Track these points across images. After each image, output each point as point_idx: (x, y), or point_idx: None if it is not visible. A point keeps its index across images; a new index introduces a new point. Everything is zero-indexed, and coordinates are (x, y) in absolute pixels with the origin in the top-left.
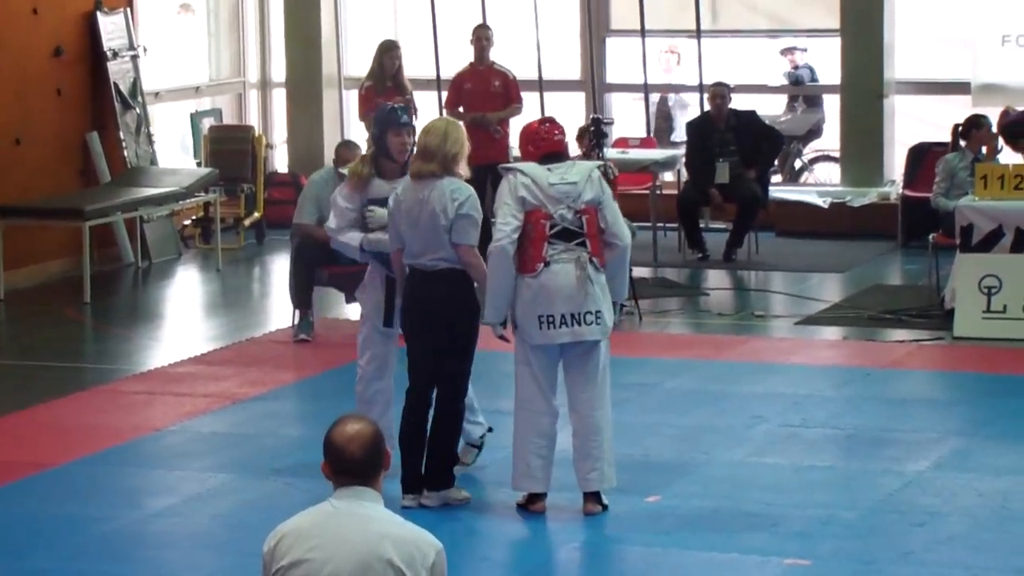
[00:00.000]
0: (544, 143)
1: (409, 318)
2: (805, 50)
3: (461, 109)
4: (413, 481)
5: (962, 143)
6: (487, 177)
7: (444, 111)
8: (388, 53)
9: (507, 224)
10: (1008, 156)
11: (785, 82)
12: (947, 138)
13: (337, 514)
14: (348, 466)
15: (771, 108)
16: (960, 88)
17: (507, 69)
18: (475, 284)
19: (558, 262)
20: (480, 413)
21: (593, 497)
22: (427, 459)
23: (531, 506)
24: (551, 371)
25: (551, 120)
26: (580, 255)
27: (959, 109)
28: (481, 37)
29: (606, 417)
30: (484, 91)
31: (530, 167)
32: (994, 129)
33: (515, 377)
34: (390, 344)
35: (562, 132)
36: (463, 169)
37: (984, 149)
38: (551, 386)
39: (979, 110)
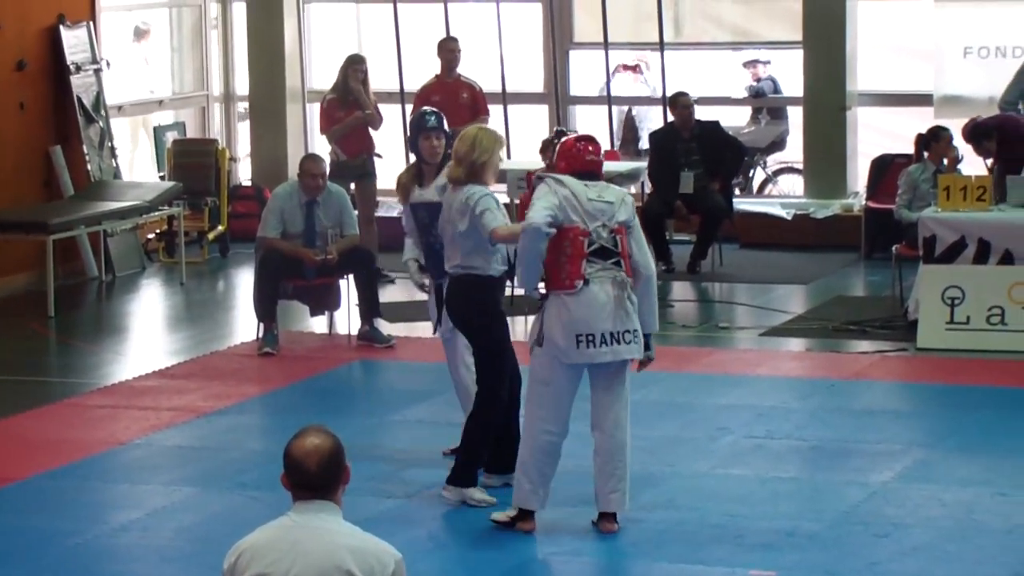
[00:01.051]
0: (575, 160)
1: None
2: (768, 63)
3: None
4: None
5: (925, 155)
6: None
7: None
8: (354, 67)
9: (546, 210)
10: (970, 166)
11: (747, 95)
12: (910, 149)
13: (295, 528)
14: (306, 480)
15: (735, 121)
16: (922, 100)
17: (474, 81)
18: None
19: (596, 280)
20: None
21: (612, 517)
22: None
23: (521, 524)
24: (574, 391)
25: (589, 138)
26: (616, 274)
27: (921, 121)
28: (449, 49)
29: (628, 437)
30: (452, 103)
31: (568, 179)
32: (960, 139)
33: (530, 394)
34: (449, 346)
35: (597, 151)
36: (490, 178)
37: (945, 161)
38: (571, 406)
39: (941, 122)
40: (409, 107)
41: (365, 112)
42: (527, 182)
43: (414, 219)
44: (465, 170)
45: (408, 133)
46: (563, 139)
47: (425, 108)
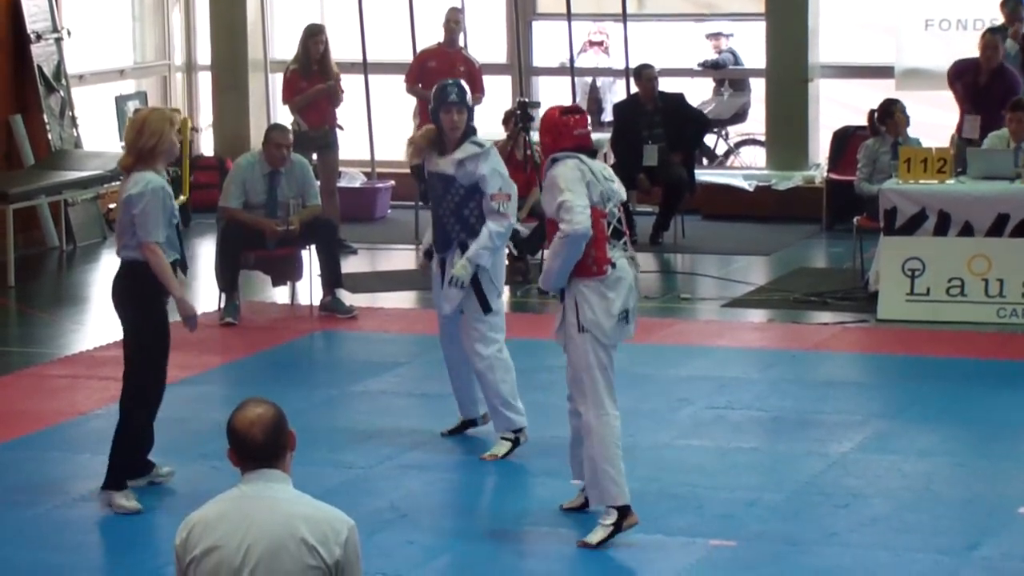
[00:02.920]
0: (564, 136)
1: None
2: (731, 35)
3: (420, 86)
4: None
5: (882, 128)
6: None
7: (404, 86)
8: (313, 38)
9: (586, 208)
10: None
11: (711, 68)
12: (866, 123)
13: (246, 498)
14: (253, 450)
15: (698, 93)
16: (884, 72)
17: (475, 58)
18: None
19: (619, 261)
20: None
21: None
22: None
23: (628, 521)
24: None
25: (574, 109)
26: (632, 254)
27: (883, 93)
28: (452, 19)
29: None
30: (448, 73)
31: (586, 159)
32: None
33: (590, 384)
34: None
35: (585, 122)
36: (160, 163)
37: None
38: None
39: (902, 94)
40: (373, 78)
41: (328, 83)
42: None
43: (428, 187)
44: (133, 157)
45: (431, 103)
46: (546, 111)
47: (448, 81)
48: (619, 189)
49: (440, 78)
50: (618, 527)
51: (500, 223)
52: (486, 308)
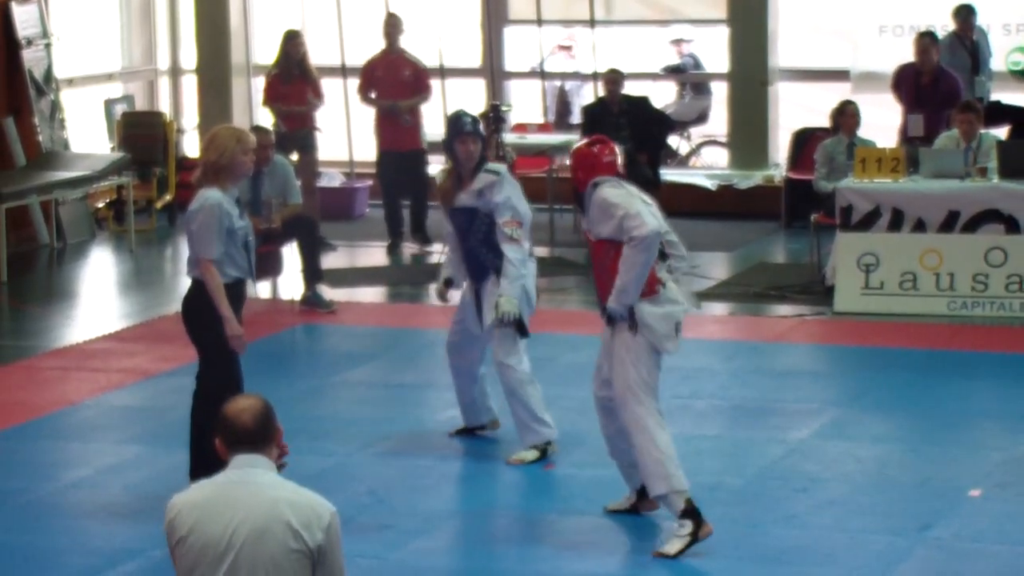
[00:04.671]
0: (596, 167)
1: None
2: (691, 41)
3: (373, 95)
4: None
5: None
6: (397, 163)
7: (357, 97)
8: (291, 42)
9: (649, 212)
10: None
11: (673, 72)
12: (827, 123)
13: (231, 483)
14: (240, 434)
15: (662, 96)
16: (840, 76)
17: (418, 59)
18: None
19: (667, 281)
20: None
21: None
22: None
23: (703, 532)
24: None
25: (600, 140)
26: (677, 276)
27: (839, 95)
28: (391, 25)
29: None
30: (394, 79)
31: (624, 182)
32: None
33: (637, 387)
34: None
35: (612, 150)
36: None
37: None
38: None
39: (858, 97)
40: (351, 81)
41: (309, 105)
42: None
43: (452, 223)
44: (202, 172)
45: (445, 133)
46: (575, 148)
47: (461, 111)
48: (657, 212)
49: (387, 84)
50: (695, 537)
51: (516, 249)
52: (524, 333)
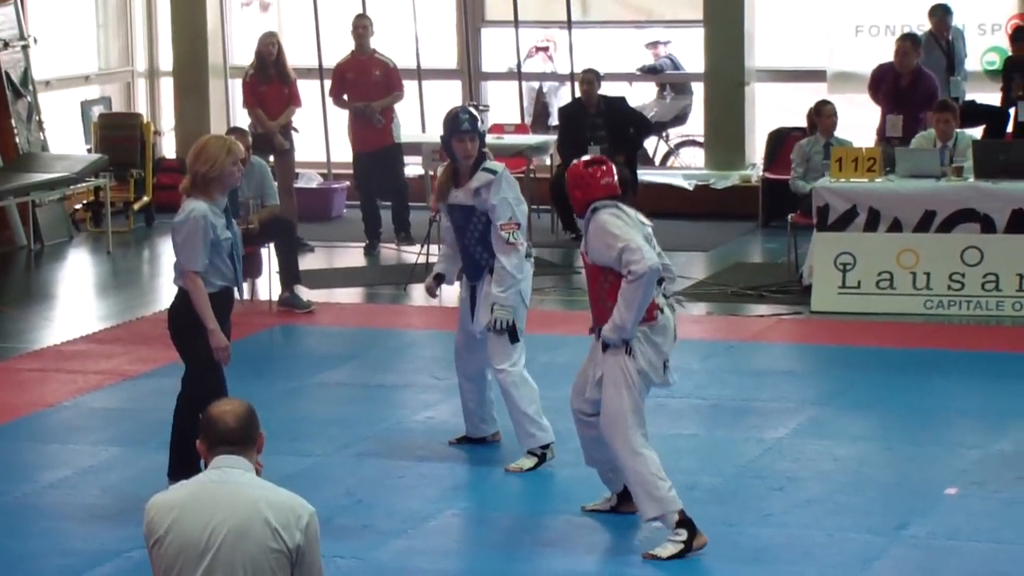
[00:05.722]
0: (592, 188)
1: None
2: (668, 42)
3: (345, 97)
4: None
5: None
6: (372, 163)
7: (329, 100)
8: (265, 42)
9: (647, 247)
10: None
11: (649, 73)
12: (804, 123)
13: (211, 483)
14: (222, 434)
15: (641, 97)
16: (816, 76)
17: (388, 58)
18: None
19: (665, 307)
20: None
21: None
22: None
23: (697, 541)
24: None
25: (598, 160)
26: (671, 300)
27: (816, 96)
28: (359, 26)
29: None
30: (366, 80)
31: (623, 205)
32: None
33: (627, 412)
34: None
35: (610, 172)
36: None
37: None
38: None
39: (834, 97)
40: (328, 83)
41: (288, 87)
42: (439, 155)
43: (450, 220)
44: (190, 181)
45: (443, 131)
46: (570, 166)
47: (458, 109)
48: (651, 235)
49: (359, 86)
50: (688, 546)
51: (510, 256)
52: (514, 339)
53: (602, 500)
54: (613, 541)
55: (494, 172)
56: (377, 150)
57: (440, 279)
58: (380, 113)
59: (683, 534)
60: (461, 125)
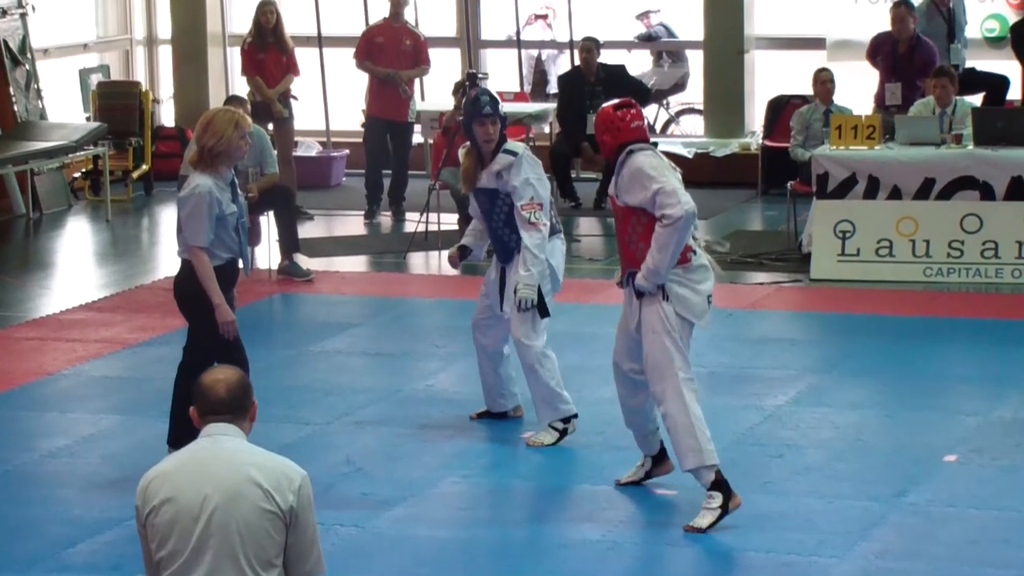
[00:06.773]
0: (623, 131)
1: None
2: (658, 11)
3: (370, 62)
4: None
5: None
6: (386, 132)
7: (353, 61)
8: (262, 10)
9: (684, 190)
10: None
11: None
12: (803, 91)
13: (203, 451)
14: (214, 403)
15: (639, 65)
16: (816, 44)
17: (419, 31)
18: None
19: (696, 249)
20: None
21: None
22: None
23: (733, 503)
24: None
25: (627, 103)
26: (701, 242)
27: (815, 63)
28: None
29: None
30: (395, 49)
31: (655, 149)
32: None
33: (672, 356)
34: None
35: (639, 115)
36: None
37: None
38: None
39: (834, 64)
40: (327, 51)
41: (285, 56)
42: (439, 122)
43: (476, 203)
44: (197, 155)
45: (463, 116)
46: (600, 110)
47: (480, 92)
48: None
49: (387, 52)
50: (724, 510)
51: (533, 235)
52: (544, 312)
53: (636, 468)
54: (609, 510)
55: (515, 153)
56: (394, 121)
57: (465, 251)
58: (406, 83)
59: (718, 498)
60: (483, 109)
